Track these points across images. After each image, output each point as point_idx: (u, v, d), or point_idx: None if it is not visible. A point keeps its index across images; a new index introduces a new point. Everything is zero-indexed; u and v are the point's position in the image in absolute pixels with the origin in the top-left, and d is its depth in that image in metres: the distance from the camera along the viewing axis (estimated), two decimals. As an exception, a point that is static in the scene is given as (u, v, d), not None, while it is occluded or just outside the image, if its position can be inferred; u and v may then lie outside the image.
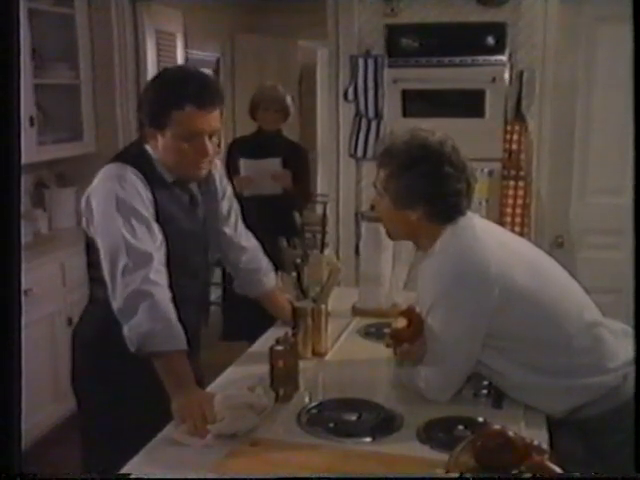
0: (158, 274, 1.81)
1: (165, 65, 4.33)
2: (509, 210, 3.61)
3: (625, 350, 1.72)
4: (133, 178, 1.85)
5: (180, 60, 4.56)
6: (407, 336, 1.80)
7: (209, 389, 1.87)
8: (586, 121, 3.56)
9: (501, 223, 3.60)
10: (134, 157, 1.93)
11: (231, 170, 3.70)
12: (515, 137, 3.54)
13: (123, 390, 1.92)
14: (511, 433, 1.31)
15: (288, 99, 3.96)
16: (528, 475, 1.27)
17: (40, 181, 4.06)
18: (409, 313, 1.83)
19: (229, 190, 2.19)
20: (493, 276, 1.66)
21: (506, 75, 3.50)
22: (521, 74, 3.53)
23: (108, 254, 1.82)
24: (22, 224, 3.75)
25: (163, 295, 1.79)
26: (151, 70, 4.15)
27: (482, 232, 1.78)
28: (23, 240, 3.50)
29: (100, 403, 1.98)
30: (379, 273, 2.48)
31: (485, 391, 1.83)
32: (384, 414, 1.71)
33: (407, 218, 1.79)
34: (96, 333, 1.95)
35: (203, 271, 2.06)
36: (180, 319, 1.81)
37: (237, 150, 3.94)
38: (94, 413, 2.01)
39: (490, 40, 3.51)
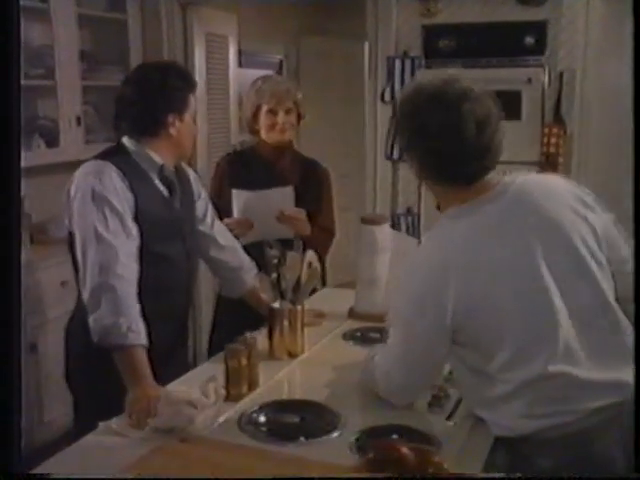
0: (125, 268, 1.87)
1: (215, 67, 4.44)
2: (547, 216, 3.47)
3: (586, 400, 1.52)
4: (110, 173, 1.94)
5: (232, 62, 4.64)
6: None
7: (173, 385, 1.91)
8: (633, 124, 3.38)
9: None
10: (113, 153, 2.03)
11: (221, 198, 2.64)
12: (553, 140, 3.41)
13: (116, 384, 1.93)
14: (405, 449, 1.27)
15: (300, 95, 2.78)
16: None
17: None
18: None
19: (204, 193, 2.25)
20: (451, 299, 1.51)
21: (543, 76, 3.37)
22: (561, 75, 3.40)
23: (80, 245, 1.91)
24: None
25: (127, 289, 1.86)
26: (199, 72, 4.25)
27: (484, 230, 1.54)
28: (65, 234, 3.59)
29: (93, 399, 2.02)
30: (375, 277, 2.46)
31: (442, 401, 1.78)
32: (328, 418, 1.70)
33: (413, 170, 1.64)
34: (86, 329, 1.94)
35: (183, 260, 2.11)
36: (164, 310, 1.97)
37: (230, 172, 2.75)
38: (88, 409, 2.04)
39: (529, 40, 3.41)
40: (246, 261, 2.30)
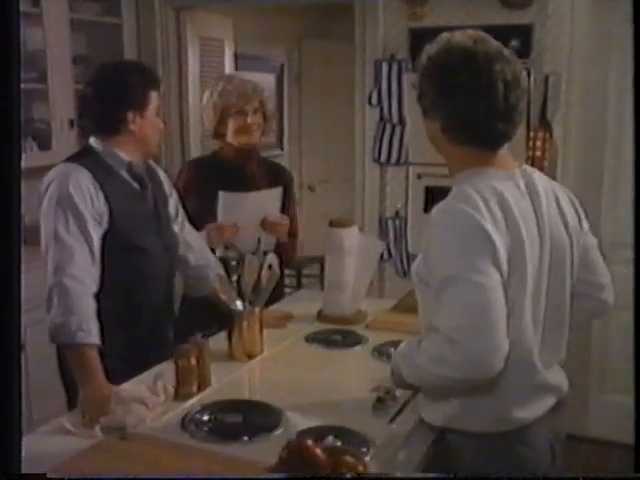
0: (80, 270, 1.92)
1: (210, 71, 4.47)
2: (532, 220, 3.46)
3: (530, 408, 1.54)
4: (77, 175, 1.99)
5: (229, 66, 4.67)
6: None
7: (128, 383, 1.93)
8: (618, 128, 3.36)
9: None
10: (81, 155, 2.09)
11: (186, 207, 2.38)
12: (539, 144, 3.39)
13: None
14: (317, 449, 1.28)
15: (266, 93, 2.68)
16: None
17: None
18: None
19: (174, 192, 2.30)
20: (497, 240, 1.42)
21: (528, 79, 3.35)
22: (546, 78, 3.38)
23: (44, 246, 1.97)
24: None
25: (81, 289, 1.91)
26: (192, 76, 4.29)
27: (506, 200, 1.47)
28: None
29: None
30: (342, 280, 2.47)
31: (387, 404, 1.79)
32: (271, 418, 1.71)
33: (432, 131, 1.57)
34: None
35: (161, 254, 2.16)
36: (145, 300, 2.09)
37: (196, 180, 2.63)
38: None
39: (514, 43, 3.37)
40: (213, 260, 2.35)
